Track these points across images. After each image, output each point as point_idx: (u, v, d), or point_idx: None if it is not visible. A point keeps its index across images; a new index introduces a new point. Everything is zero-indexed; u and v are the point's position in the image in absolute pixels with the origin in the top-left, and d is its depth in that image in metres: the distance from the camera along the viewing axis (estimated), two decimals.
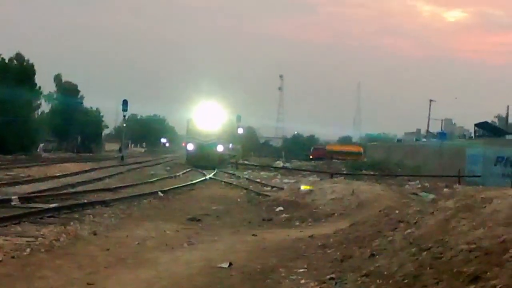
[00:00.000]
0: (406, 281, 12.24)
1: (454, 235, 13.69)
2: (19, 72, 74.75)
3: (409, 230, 16.18)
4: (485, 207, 15.17)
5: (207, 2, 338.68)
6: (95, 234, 19.52)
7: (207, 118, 70.97)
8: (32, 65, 79.25)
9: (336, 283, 13.64)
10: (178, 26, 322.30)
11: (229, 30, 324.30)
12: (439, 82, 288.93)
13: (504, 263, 10.83)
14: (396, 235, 16.31)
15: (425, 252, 13.42)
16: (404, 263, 13.43)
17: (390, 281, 12.63)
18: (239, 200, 33.91)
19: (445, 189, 34.60)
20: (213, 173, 54.59)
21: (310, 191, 30.83)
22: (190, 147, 71.47)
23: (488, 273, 10.67)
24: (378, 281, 12.94)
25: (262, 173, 58.75)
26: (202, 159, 66.88)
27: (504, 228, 13.00)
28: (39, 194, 27.87)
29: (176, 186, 38.29)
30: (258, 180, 47.86)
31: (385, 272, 13.36)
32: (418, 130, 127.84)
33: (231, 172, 58.35)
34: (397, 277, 12.69)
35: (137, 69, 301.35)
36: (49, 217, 21.58)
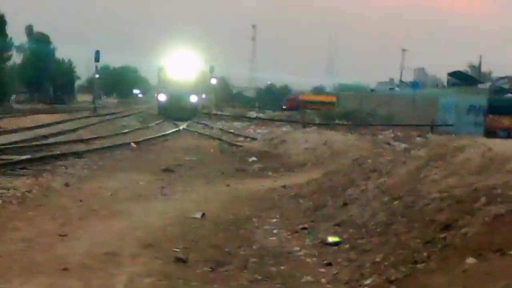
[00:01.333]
0: (378, 229, 12.30)
1: (426, 184, 13.75)
2: None
3: (381, 179, 16.24)
4: (457, 156, 15.24)
5: None
6: (67, 185, 19.48)
7: (180, 66, 68.00)
8: (3, 16, 78.74)
9: (308, 232, 13.70)
10: None
11: None
12: (412, 32, 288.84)
13: (475, 211, 10.88)
14: (368, 185, 16.37)
15: (397, 201, 13.49)
16: (376, 212, 13.49)
17: (363, 230, 12.69)
18: (212, 150, 33.93)
19: (417, 138, 34.73)
20: (186, 124, 54.08)
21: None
22: (162, 97, 67.99)
23: (460, 221, 10.73)
24: (350, 230, 13.01)
25: (235, 123, 58.69)
26: (175, 110, 63.54)
27: (476, 176, 13.06)
28: (11, 146, 27.77)
29: (149, 137, 38.18)
30: (231, 130, 47.85)
31: (358, 221, 13.42)
32: (391, 80, 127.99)
33: (204, 122, 57.93)
34: (370, 226, 12.75)
35: (110, 20, 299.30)
36: (21, 168, 21.52)
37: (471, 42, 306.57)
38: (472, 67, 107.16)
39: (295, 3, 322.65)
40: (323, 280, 10.31)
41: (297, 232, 13.89)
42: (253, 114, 78.85)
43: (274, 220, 15.29)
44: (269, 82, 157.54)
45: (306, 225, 14.30)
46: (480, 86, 72.38)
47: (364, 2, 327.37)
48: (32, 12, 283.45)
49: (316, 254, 11.98)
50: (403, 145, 23.06)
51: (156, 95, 77.49)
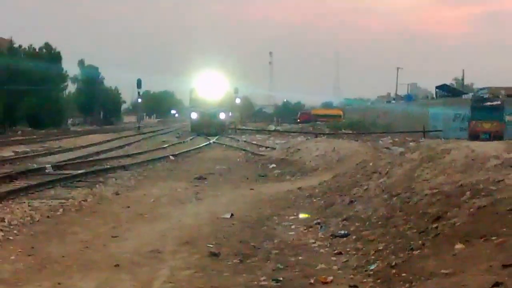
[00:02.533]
0: (380, 222, 12.29)
1: (419, 182, 13.74)
2: (48, 59, 74.70)
3: (381, 180, 16.23)
4: (444, 157, 15.22)
5: None
6: (117, 194, 19.56)
7: (209, 87, 65.74)
8: (59, 52, 79.25)
9: (321, 227, 13.69)
10: (187, 12, 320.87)
11: (225, 15, 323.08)
12: (405, 51, 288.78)
13: (461, 204, 10.87)
14: (370, 184, 16.35)
15: (395, 198, 13.48)
16: (377, 207, 13.48)
17: (367, 223, 12.68)
18: (238, 160, 33.93)
19: (411, 143, 34.59)
20: (216, 138, 53.96)
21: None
22: (194, 115, 65.10)
23: (449, 213, 10.71)
24: (356, 223, 13.00)
25: (257, 136, 58.63)
26: (206, 127, 61.67)
27: (461, 174, 13.05)
28: (69, 162, 27.90)
29: (185, 150, 38.21)
30: (254, 142, 47.81)
31: (362, 216, 13.41)
32: (388, 94, 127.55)
33: (231, 136, 57.86)
34: (372, 220, 12.74)
35: (150, 48, 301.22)
36: (78, 181, 21.60)
37: (455, 58, 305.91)
38: (457, 80, 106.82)
39: (307, 31, 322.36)
40: (335, 267, 10.31)
41: (311, 227, 13.88)
42: (272, 127, 78.89)
43: (292, 217, 15.27)
44: (285, 100, 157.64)
45: (319, 221, 14.29)
46: (464, 96, 72.08)
47: (366, 28, 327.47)
48: (84, 47, 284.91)
49: (328, 245, 11.97)
50: (399, 150, 22.98)
51: (174, 112, 75.23)
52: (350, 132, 59.67)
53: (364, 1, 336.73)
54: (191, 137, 56.48)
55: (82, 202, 17.51)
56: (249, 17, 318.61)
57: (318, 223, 14.04)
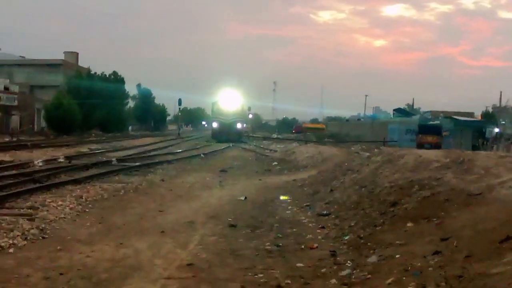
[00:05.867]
0: (352, 206, 12.28)
1: (381, 178, 13.73)
2: (115, 82, 74.95)
3: (353, 175, 16.22)
4: (399, 160, 15.21)
5: (232, 42, 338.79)
6: (163, 180, 19.58)
7: (228, 101, 58.70)
8: (123, 78, 79.28)
9: (309, 208, 13.68)
10: (219, 53, 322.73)
11: (245, 57, 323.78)
12: (372, 83, 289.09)
13: (411, 194, 10.87)
14: (345, 178, 16.36)
15: (363, 188, 13.47)
16: (350, 195, 13.47)
17: (342, 206, 12.66)
18: (250, 158, 33.90)
19: (375, 150, 34.53)
20: (234, 142, 53.41)
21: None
22: (215, 125, 58.15)
23: (402, 200, 10.71)
24: (335, 206, 12.98)
25: (264, 142, 58.36)
26: (225, 135, 54.80)
27: (411, 172, 13.03)
28: (128, 157, 27.94)
29: (212, 150, 38.18)
30: (261, 146, 47.72)
31: (339, 201, 13.39)
32: (359, 113, 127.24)
33: (245, 141, 57.43)
34: (347, 204, 12.73)
35: (188, 74, 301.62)
36: (135, 171, 21.61)
37: (407, 89, 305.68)
38: (408, 105, 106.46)
39: (300, 69, 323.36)
40: (319, 237, 10.29)
41: (302, 207, 13.87)
42: (274, 135, 78.55)
43: (289, 200, 15.28)
44: (284, 116, 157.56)
45: (308, 203, 14.28)
46: (413, 117, 71.91)
47: (345, 66, 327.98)
48: (142, 73, 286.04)
49: (314, 221, 11.95)
50: (367, 154, 22.89)
51: (205, 123, 71.13)
52: (331, 140, 59.40)
53: (342, 47, 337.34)
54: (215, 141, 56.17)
55: (138, 186, 17.56)
56: (260, 57, 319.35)
57: (308, 205, 14.03)
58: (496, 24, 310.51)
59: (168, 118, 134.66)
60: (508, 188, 9.26)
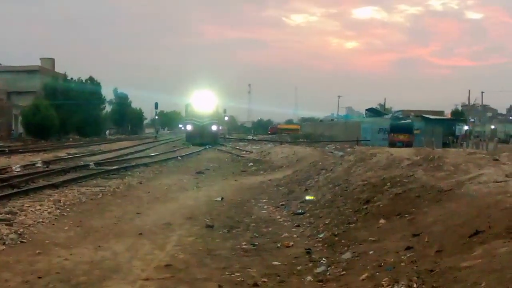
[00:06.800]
0: (326, 204, 12.31)
1: (354, 176, 13.80)
2: (91, 88, 74.53)
3: (327, 174, 16.28)
4: (372, 158, 15.30)
5: (207, 45, 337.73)
6: (140, 183, 19.45)
7: (202, 102, 53.81)
8: (99, 83, 78.78)
9: (285, 207, 13.68)
10: (193, 54, 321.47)
11: (220, 59, 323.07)
12: (344, 84, 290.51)
13: (384, 191, 10.94)
14: (320, 177, 16.40)
15: (337, 187, 13.52)
16: (325, 194, 13.51)
17: (317, 205, 12.69)
18: (226, 160, 33.83)
19: (348, 149, 34.69)
20: (209, 145, 52.59)
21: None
22: (189, 127, 53.83)
23: (375, 197, 10.78)
24: (310, 205, 13.01)
25: (240, 143, 58.21)
26: (199, 138, 51.03)
27: (383, 170, 13.12)
28: (106, 161, 27.73)
29: (188, 152, 37.91)
30: (237, 147, 47.61)
31: (314, 200, 13.43)
32: (332, 114, 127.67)
33: (220, 143, 56.91)
34: (321, 202, 12.76)
35: (165, 77, 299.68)
36: (112, 174, 21.44)
37: (379, 89, 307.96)
38: (380, 105, 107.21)
39: (275, 71, 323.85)
40: (295, 236, 10.30)
41: (278, 207, 13.87)
42: (250, 137, 78.48)
43: (264, 200, 15.26)
44: (259, 117, 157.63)
45: (283, 203, 14.28)
46: (385, 116, 72.38)
47: (318, 68, 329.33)
48: (118, 76, 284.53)
49: (290, 220, 11.97)
50: (340, 153, 23.04)
51: (182, 126, 64.00)
52: (305, 141, 59.58)
53: (315, 49, 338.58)
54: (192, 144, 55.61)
55: (116, 189, 17.41)
56: (235, 60, 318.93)
57: (283, 205, 14.03)
58: (464, 25, 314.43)
59: (145, 121, 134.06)
60: (477, 183, 9.36)
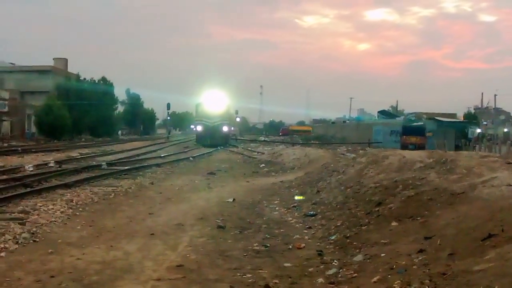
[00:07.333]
0: (338, 206, 12.29)
1: (366, 178, 13.75)
2: (104, 88, 74.84)
3: (339, 176, 16.23)
4: (384, 161, 15.24)
5: (218, 45, 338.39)
6: (152, 184, 19.50)
7: (213, 102, 51.63)
8: (112, 83, 79.19)
9: (297, 208, 13.68)
10: (204, 56, 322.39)
11: (231, 60, 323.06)
12: (356, 86, 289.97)
13: (396, 194, 10.90)
14: (331, 179, 16.36)
15: (349, 189, 13.49)
16: (336, 196, 13.48)
17: (329, 207, 12.67)
18: (238, 161, 33.85)
19: (360, 151, 34.63)
20: (221, 146, 52.33)
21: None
22: (199, 128, 51.96)
23: (387, 200, 10.74)
24: (322, 207, 12.99)
25: (251, 144, 58.14)
26: (210, 139, 49.44)
27: (396, 173, 13.06)
28: (118, 161, 27.85)
29: (200, 153, 37.97)
30: (249, 149, 47.60)
31: (326, 201, 13.41)
32: (344, 115, 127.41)
33: (233, 144, 56.75)
34: (333, 204, 12.74)
35: (176, 78, 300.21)
36: (124, 174, 21.54)
37: (391, 91, 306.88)
38: (392, 107, 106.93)
39: (286, 72, 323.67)
40: (306, 237, 10.29)
41: (289, 208, 13.86)
42: (261, 138, 78.47)
43: (276, 201, 15.25)
44: (271, 119, 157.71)
45: (295, 204, 14.28)
46: (397, 119, 72.21)
47: (330, 70, 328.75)
48: (131, 77, 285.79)
49: (302, 221, 11.96)
50: (352, 155, 22.95)
51: (193, 126, 62.61)
52: (317, 142, 59.47)
53: (327, 51, 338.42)
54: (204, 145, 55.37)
55: (128, 189, 17.47)
56: (247, 61, 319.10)
57: (295, 206, 14.03)
58: (477, 27, 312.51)
59: (157, 122, 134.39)
60: (490, 187, 9.31)
